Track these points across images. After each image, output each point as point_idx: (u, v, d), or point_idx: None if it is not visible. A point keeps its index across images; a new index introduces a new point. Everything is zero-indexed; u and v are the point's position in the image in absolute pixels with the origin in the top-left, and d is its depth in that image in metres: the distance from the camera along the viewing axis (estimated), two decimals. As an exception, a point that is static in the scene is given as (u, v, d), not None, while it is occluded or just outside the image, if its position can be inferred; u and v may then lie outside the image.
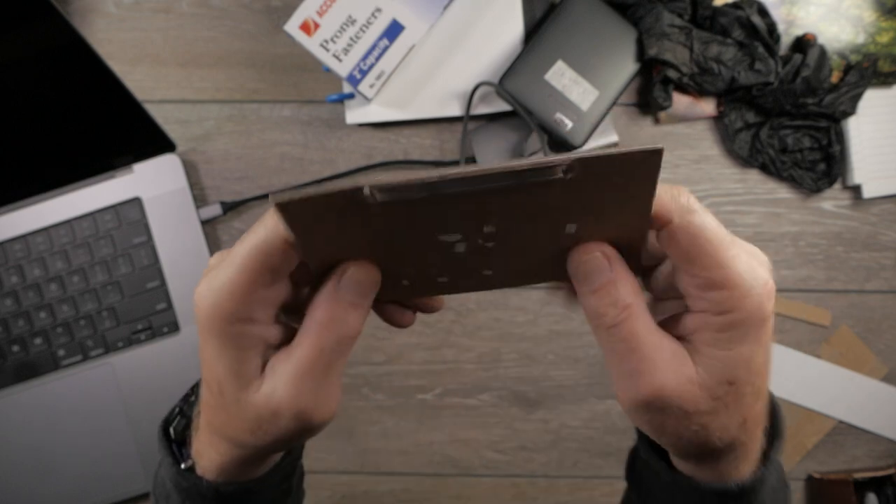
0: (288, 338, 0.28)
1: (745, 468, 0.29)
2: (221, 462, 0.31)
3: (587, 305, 0.27)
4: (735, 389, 0.26)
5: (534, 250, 0.27)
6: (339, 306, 0.27)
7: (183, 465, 0.33)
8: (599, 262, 0.26)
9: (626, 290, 0.26)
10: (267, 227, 0.25)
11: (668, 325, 0.28)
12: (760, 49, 0.64)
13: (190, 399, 0.35)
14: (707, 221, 0.25)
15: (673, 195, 0.25)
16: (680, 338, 0.27)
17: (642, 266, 0.29)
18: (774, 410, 0.32)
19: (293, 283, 0.28)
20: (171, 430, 0.34)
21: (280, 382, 0.27)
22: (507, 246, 0.26)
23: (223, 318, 0.26)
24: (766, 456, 0.30)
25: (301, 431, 0.28)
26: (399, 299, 0.32)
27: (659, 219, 0.25)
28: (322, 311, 0.27)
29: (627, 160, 0.22)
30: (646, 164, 0.23)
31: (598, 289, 0.26)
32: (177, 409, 0.35)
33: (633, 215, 0.25)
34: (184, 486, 0.32)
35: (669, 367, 0.26)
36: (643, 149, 0.22)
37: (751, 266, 0.25)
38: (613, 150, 0.22)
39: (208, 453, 0.31)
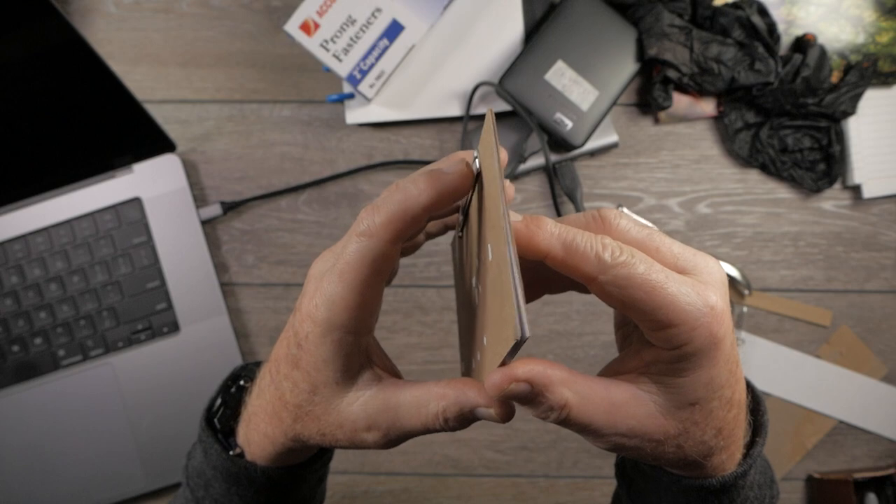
0: (384, 360, 0.31)
1: (728, 465, 0.30)
2: (273, 451, 0.33)
3: (532, 414, 0.28)
4: (700, 407, 0.27)
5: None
6: (461, 419, 0.29)
7: (231, 453, 0.34)
8: (519, 389, 0.26)
9: (554, 393, 0.26)
10: (370, 234, 0.27)
11: (626, 361, 0.28)
12: (760, 49, 0.64)
13: (230, 390, 0.37)
14: (633, 271, 0.25)
15: (597, 252, 0.25)
16: (636, 371, 0.28)
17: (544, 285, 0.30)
18: (757, 406, 0.32)
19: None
20: (216, 421, 0.36)
21: (381, 411, 0.29)
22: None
23: (342, 329, 0.28)
24: (747, 452, 0.31)
25: (360, 449, 0.31)
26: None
27: (583, 277, 0.26)
28: (447, 410, 0.28)
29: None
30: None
31: (533, 408, 0.27)
32: (219, 401, 0.37)
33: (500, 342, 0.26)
34: (232, 472, 0.34)
35: (628, 416, 0.27)
36: (512, 335, 0.22)
37: (692, 297, 0.25)
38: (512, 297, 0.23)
39: (260, 441, 0.33)
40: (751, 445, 0.31)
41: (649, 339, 0.27)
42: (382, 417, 0.29)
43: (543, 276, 0.30)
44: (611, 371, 0.29)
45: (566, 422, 0.27)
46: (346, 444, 0.30)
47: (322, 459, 0.37)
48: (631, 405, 0.27)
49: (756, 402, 0.32)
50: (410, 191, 0.27)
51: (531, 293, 0.31)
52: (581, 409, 0.26)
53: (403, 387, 0.29)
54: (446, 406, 0.28)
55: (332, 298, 0.27)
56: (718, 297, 0.26)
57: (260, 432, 0.33)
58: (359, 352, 0.29)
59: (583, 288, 0.28)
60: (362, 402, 0.29)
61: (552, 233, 0.26)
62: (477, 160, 0.28)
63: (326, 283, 0.28)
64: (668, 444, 0.27)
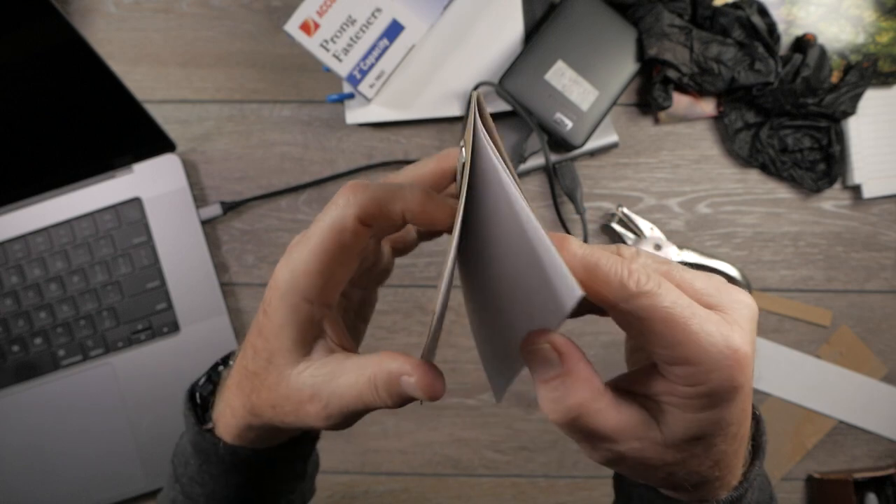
0: (342, 336, 0.30)
1: (722, 491, 0.29)
2: (236, 425, 0.32)
3: (538, 393, 0.26)
4: (704, 442, 0.26)
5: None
6: (389, 392, 0.28)
7: (204, 427, 0.34)
8: (547, 353, 0.25)
9: (575, 387, 0.25)
10: (338, 206, 0.28)
11: (639, 378, 0.27)
12: (760, 49, 0.64)
13: (218, 368, 0.37)
14: (657, 302, 0.24)
15: (621, 278, 0.24)
16: (646, 396, 0.27)
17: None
18: (757, 429, 0.31)
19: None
20: (198, 395, 0.36)
21: (325, 381, 0.29)
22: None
23: (299, 294, 0.28)
24: (746, 475, 0.30)
25: (314, 427, 0.30)
26: None
27: (604, 303, 0.25)
28: (377, 377, 0.28)
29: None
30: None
31: (546, 380, 0.25)
32: (204, 377, 0.37)
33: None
34: (202, 447, 0.34)
35: (631, 437, 0.26)
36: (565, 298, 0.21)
37: (716, 338, 0.24)
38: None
39: (226, 415, 0.33)
40: (749, 469, 0.30)
41: (663, 371, 0.26)
42: (325, 388, 0.28)
43: None
44: (621, 387, 0.28)
45: (574, 421, 0.25)
46: (292, 420, 0.29)
47: (298, 449, 0.36)
48: (637, 428, 0.26)
49: (757, 423, 0.31)
50: (396, 185, 0.28)
51: None
52: (592, 416, 0.25)
53: (349, 357, 0.29)
54: (376, 372, 0.28)
55: (296, 263, 0.28)
56: (744, 340, 0.24)
57: (227, 404, 0.33)
58: (314, 322, 0.29)
59: (601, 311, 0.27)
60: (310, 372, 0.29)
61: (575, 253, 0.25)
62: (464, 150, 0.28)
63: (293, 250, 0.29)
64: (660, 471, 0.27)
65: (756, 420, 0.31)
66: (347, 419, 0.29)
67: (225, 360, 0.37)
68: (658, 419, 0.26)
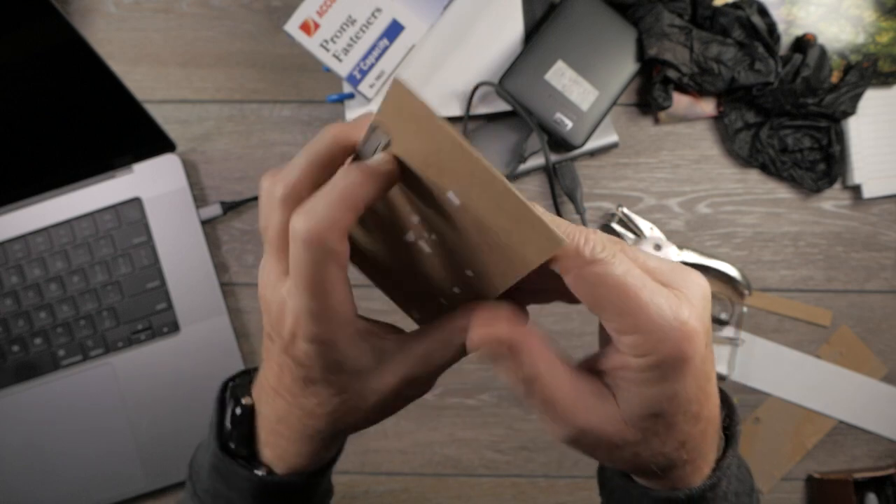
0: (374, 322, 0.31)
1: (694, 478, 0.30)
2: (310, 460, 0.32)
3: (501, 377, 0.28)
4: (663, 420, 0.27)
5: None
6: (492, 339, 0.28)
7: (260, 473, 0.33)
8: (495, 348, 0.27)
9: (529, 360, 0.27)
10: (324, 242, 0.25)
11: (594, 360, 0.28)
12: (760, 49, 0.64)
13: (235, 412, 0.34)
14: (611, 270, 0.25)
15: (578, 245, 0.25)
16: (603, 373, 0.28)
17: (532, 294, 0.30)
18: (731, 417, 0.32)
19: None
20: (231, 444, 0.34)
21: (400, 368, 0.29)
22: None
23: (331, 334, 0.27)
24: (718, 464, 0.30)
25: (410, 400, 0.31)
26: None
27: (560, 267, 0.25)
28: (479, 335, 0.28)
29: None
30: (547, 243, 0.24)
31: (503, 369, 0.27)
32: (228, 425, 0.34)
33: (509, 266, 0.26)
34: (263, 491, 0.33)
35: (589, 410, 0.27)
36: (552, 232, 0.24)
37: (664, 310, 0.25)
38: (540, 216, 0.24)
39: (297, 455, 0.32)
40: (722, 457, 0.31)
41: (616, 344, 0.26)
42: (413, 370, 0.29)
43: (530, 286, 0.29)
44: (584, 366, 0.29)
45: (532, 397, 0.27)
46: (392, 412, 0.31)
47: (340, 452, 0.37)
48: (594, 400, 0.27)
49: (730, 413, 0.32)
50: (348, 182, 0.26)
51: (517, 302, 0.31)
52: (547, 386, 0.27)
53: (412, 338, 0.30)
54: (474, 333, 0.28)
55: (311, 310, 0.26)
56: (693, 315, 0.25)
57: (293, 449, 0.32)
58: (357, 338, 0.29)
59: (571, 298, 0.28)
60: (390, 371, 0.29)
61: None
62: (377, 131, 0.27)
63: (297, 298, 0.26)
64: (625, 450, 0.27)
65: (729, 408, 0.32)
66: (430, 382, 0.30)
67: (234, 397, 0.35)
68: (616, 395, 0.27)
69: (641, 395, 0.26)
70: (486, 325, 0.27)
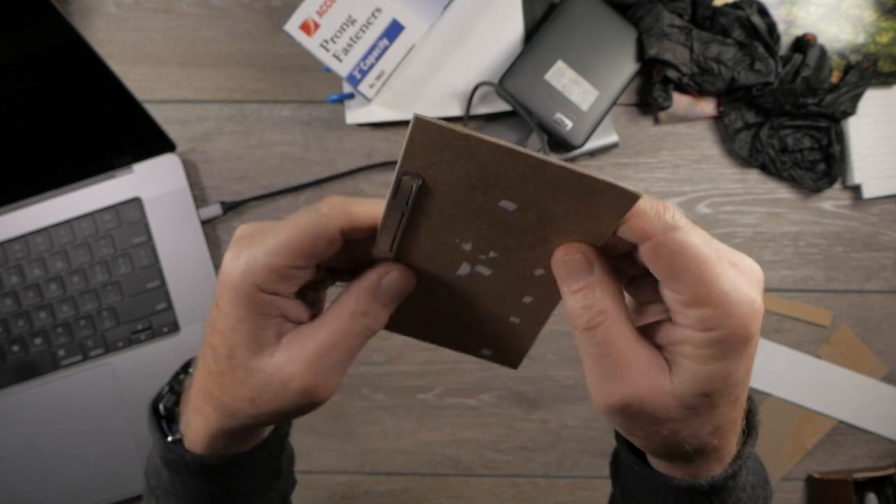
0: (302, 315, 0.29)
1: (718, 467, 0.30)
2: (208, 433, 0.31)
3: (566, 306, 0.28)
4: (710, 401, 0.26)
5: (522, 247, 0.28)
6: (375, 301, 0.29)
7: (170, 438, 0.34)
8: (580, 263, 0.27)
9: (603, 295, 0.26)
10: (323, 214, 0.27)
11: (650, 331, 0.28)
12: (760, 49, 0.64)
13: (179, 377, 0.36)
14: (691, 239, 0.25)
15: (657, 211, 0.25)
16: (660, 346, 0.27)
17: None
18: (750, 407, 0.32)
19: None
20: (161, 406, 0.35)
21: (297, 356, 0.28)
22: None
23: (254, 286, 0.27)
24: (738, 453, 0.30)
25: (302, 407, 0.29)
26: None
27: (641, 234, 0.25)
28: (357, 302, 0.28)
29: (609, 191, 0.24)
30: (622, 203, 0.24)
31: (576, 290, 0.27)
32: (166, 388, 0.36)
33: (588, 239, 0.26)
34: (170, 459, 0.33)
35: (644, 374, 0.26)
36: (625, 189, 0.24)
37: (737, 284, 0.25)
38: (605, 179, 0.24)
39: (195, 423, 0.32)
40: (742, 447, 0.31)
41: (676, 318, 0.26)
42: (306, 354, 0.28)
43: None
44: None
45: (592, 331, 0.26)
46: (276, 406, 0.29)
47: (270, 449, 0.36)
48: (651, 367, 0.26)
49: (750, 404, 0.32)
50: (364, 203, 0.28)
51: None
52: (614, 325, 0.26)
53: (316, 320, 0.29)
54: (358, 297, 0.29)
55: (255, 257, 0.27)
56: (757, 294, 0.26)
57: (195, 412, 0.32)
58: (272, 307, 0.28)
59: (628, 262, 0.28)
60: (283, 352, 0.28)
61: None
62: (405, 178, 0.27)
63: (252, 243, 0.27)
64: (664, 427, 0.27)
65: (750, 401, 0.32)
66: (337, 373, 0.29)
67: (185, 368, 0.36)
68: (671, 370, 0.27)
69: (698, 371, 0.26)
70: (578, 245, 0.27)
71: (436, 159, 0.25)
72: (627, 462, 0.34)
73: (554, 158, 0.24)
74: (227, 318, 0.28)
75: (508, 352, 0.33)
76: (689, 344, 0.26)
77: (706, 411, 0.27)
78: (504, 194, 0.26)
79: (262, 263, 0.27)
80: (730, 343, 0.25)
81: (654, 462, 0.32)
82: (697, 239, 0.25)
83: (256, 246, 0.27)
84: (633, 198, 0.24)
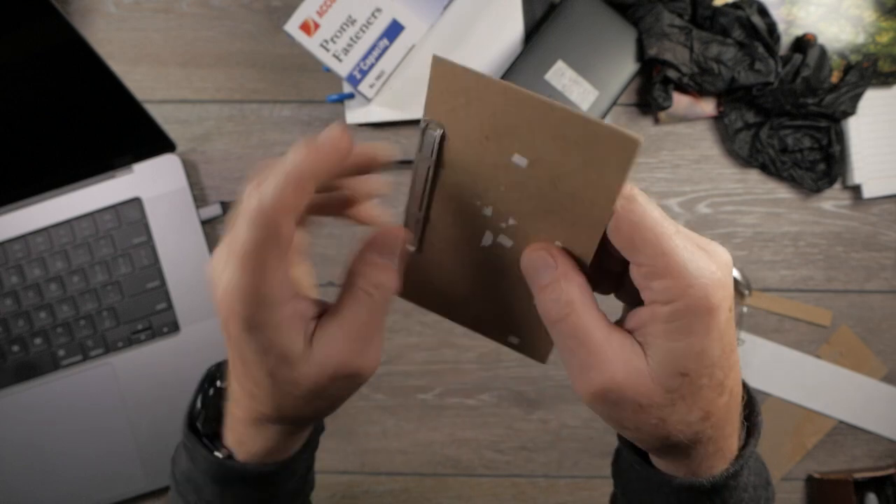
0: (316, 305, 0.30)
1: (719, 465, 0.30)
2: (267, 446, 0.32)
3: (537, 303, 0.28)
4: (689, 381, 0.27)
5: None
6: (383, 270, 0.29)
7: (220, 455, 0.34)
8: (544, 259, 0.28)
9: (569, 287, 0.27)
10: (269, 217, 0.26)
11: (623, 320, 0.29)
12: (760, 49, 0.64)
13: (209, 393, 0.36)
14: (648, 211, 0.26)
15: None
16: (633, 331, 0.28)
17: (598, 272, 0.30)
18: (751, 406, 0.32)
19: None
20: (199, 425, 0.35)
21: (335, 348, 0.28)
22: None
23: (264, 314, 0.27)
24: (740, 453, 0.30)
25: (354, 387, 0.30)
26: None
27: None
28: (370, 275, 0.29)
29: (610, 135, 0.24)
30: (625, 148, 0.24)
31: (544, 285, 0.28)
32: (199, 405, 0.35)
33: (596, 205, 0.26)
34: (224, 475, 0.34)
35: (618, 359, 0.27)
36: (624, 132, 0.24)
37: (696, 256, 0.26)
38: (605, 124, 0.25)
39: (253, 441, 0.32)
40: (744, 446, 0.31)
41: (644, 295, 0.27)
42: (337, 344, 0.29)
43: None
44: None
45: (562, 322, 0.27)
46: (334, 399, 0.30)
47: (309, 447, 0.37)
48: (624, 353, 0.27)
49: (751, 402, 0.32)
50: (290, 160, 0.27)
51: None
52: (582, 315, 0.27)
53: (332, 306, 0.30)
54: (363, 277, 0.29)
55: (242, 290, 0.26)
56: (721, 271, 0.26)
57: (247, 433, 0.32)
58: (289, 322, 0.28)
59: (607, 287, 0.29)
60: (318, 350, 0.28)
61: None
62: (429, 127, 0.27)
63: (229, 275, 0.27)
64: (651, 414, 0.27)
65: (749, 397, 0.32)
66: (376, 345, 0.30)
67: (210, 380, 0.36)
68: (645, 352, 0.27)
69: (669, 349, 0.26)
70: (542, 244, 0.28)
71: (453, 104, 0.26)
72: (629, 461, 0.34)
73: (557, 103, 0.24)
74: (249, 352, 0.28)
75: (536, 343, 0.32)
76: (658, 320, 0.26)
77: (689, 394, 0.27)
78: (516, 147, 0.26)
79: (252, 293, 0.26)
80: (694, 314, 0.26)
81: (656, 461, 0.32)
82: (655, 212, 0.26)
83: (236, 277, 0.27)
84: (633, 143, 0.24)
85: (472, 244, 0.30)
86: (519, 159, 0.26)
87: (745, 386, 0.32)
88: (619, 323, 0.29)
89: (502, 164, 0.27)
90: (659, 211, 0.26)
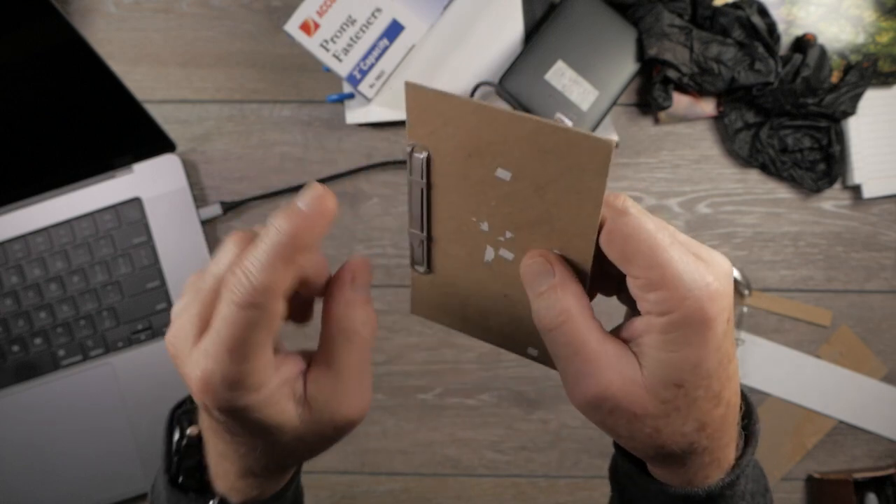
0: (300, 364, 0.29)
1: (715, 474, 0.29)
2: (263, 488, 0.32)
3: (533, 309, 0.28)
4: (684, 393, 0.26)
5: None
6: (363, 306, 0.29)
7: (213, 503, 0.33)
8: (542, 266, 0.28)
9: (565, 295, 0.27)
10: (261, 306, 0.25)
11: (619, 329, 0.29)
12: (760, 49, 0.64)
13: (182, 443, 0.34)
14: (642, 223, 0.26)
15: (607, 199, 0.26)
16: (629, 341, 0.28)
17: (595, 280, 0.30)
18: (749, 415, 0.32)
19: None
20: (181, 479, 0.33)
21: (333, 402, 0.28)
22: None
23: (236, 403, 0.26)
24: (737, 462, 0.30)
25: (353, 428, 0.30)
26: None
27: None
28: (353, 316, 0.28)
29: (581, 141, 0.24)
30: (598, 153, 0.24)
31: (540, 293, 0.28)
32: (175, 459, 0.34)
33: (584, 210, 0.26)
34: None
35: (613, 368, 0.27)
36: (596, 137, 0.24)
37: (691, 268, 0.25)
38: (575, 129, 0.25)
39: (250, 488, 0.31)
40: (741, 455, 0.31)
41: (640, 306, 0.27)
42: (333, 382, 0.28)
43: None
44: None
45: (558, 331, 0.27)
46: (328, 443, 0.30)
47: (299, 471, 0.36)
48: (619, 363, 0.27)
49: (749, 411, 0.32)
50: (276, 237, 0.25)
51: None
52: (577, 323, 0.27)
53: (321, 360, 0.29)
54: (339, 317, 0.28)
55: (229, 379, 0.25)
56: (718, 281, 0.26)
57: (244, 482, 0.31)
58: (276, 397, 0.27)
59: (609, 290, 0.29)
60: (312, 405, 0.28)
61: None
62: (414, 148, 0.28)
63: (212, 364, 0.25)
64: (645, 423, 0.27)
65: (747, 406, 0.32)
66: (367, 387, 0.29)
67: (175, 426, 0.34)
68: (640, 362, 0.27)
69: (664, 360, 0.26)
70: (540, 251, 0.28)
71: (432, 127, 0.26)
72: (625, 470, 0.34)
73: (527, 115, 0.25)
74: (239, 426, 0.27)
75: None
76: (653, 331, 0.26)
77: (685, 405, 0.27)
78: (497, 162, 0.26)
79: (247, 381, 0.25)
80: (689, 326, 0.25)
81: (652, 469, 0.31)
82: (649, 224, 0.26)
83: (225, 364, 0.25)
84: (606, 146, 0.24)
85: (477, 260, 0.30)
86: (503, 173, 0.26)
87: (744, 395, 0.32)
88: (618, 330, 0.29)
89: (488, 179, 0.27)
90: (654, 221, 0.26)
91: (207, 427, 0.30)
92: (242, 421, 0.27)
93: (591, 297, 0.30)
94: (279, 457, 0.30)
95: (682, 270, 0.25)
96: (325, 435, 0.29)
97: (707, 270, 0.26)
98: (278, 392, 0.27)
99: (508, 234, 0.29)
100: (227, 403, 0.26)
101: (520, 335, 0.32)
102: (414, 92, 0.26)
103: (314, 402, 0.28)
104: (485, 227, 0.29)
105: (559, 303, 0.27)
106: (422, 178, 0.28)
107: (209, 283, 0.27)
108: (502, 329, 0.33)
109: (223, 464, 0.31)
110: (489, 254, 0.30)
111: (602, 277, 0.30)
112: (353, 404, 0.28)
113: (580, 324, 0.27)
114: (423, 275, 0.32)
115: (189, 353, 0.26)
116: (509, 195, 0.27)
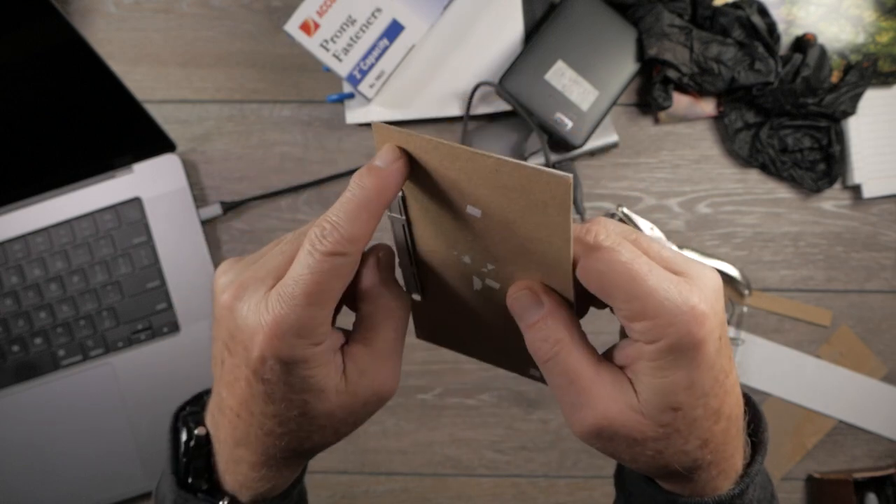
0: (342, 333, 0.30)
1: (724, 485, 0.29)
2: (275, 483, 0.32)
3: (526, 341, 0.28)
4: (683, 415, 0.26)
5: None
6: (396, 285, 0.30)
7: (224, 502, 0.33)
8: (528, 298, 0.28)
9: (556, 326, 0.27)
10: (348, 254, 0.26)
11: (612, 355, 0.28)
12: (760, 49, 0.64)
13: (189, 444, 0.33)
14: (615, 256, 0.25)
15: (578, 234, 0.26)
16: (623, 367, 0.28)
17: (580, 304, 0.29)
18: (757, 422, 0.31)
19: None
20: (190, 479, 0.33)
21: (369, 376, 0.29)
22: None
23: (296, 353, 0.27)
24: (746, 471, 0.30)
25: (380, 407, 0.31)
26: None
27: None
28: (390, 294, 0.30)
29: (537, 177, 0.24)
30: (557, 188, 0.24)
31: (531, 325, 0.28)
32: (183, 461, 0.33)
33: (554, 245, 0.26)
34: None
35: (609, 396, 0.27)
36: (553, 173, 0.24)
37: (672, 294, 0.25)
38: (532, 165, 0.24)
39: (263, 482, 0.31)
40: (750, 463, 0.30)
41: (629, 334, 0.27)
42: (375, 359, 0.30)
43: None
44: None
45: (552, 361, 0.27)
46: (358, 423, 0.31)
47: (303, 470, 0.36)
48: (614, 390, 0.27)
49: (756, 418, 0.31)
50: (360, 191, 0.26)
51: None
52: (571, 353, 0.27)
53: (360, 335, 0.30)
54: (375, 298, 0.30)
55: (300, 326, 0.26)
56: (703, 301, 0.25)
57: (258, 475, 0.31)
58: (327, 355, 0.28)
59: (601, 304, 0.29)
60: (353, 380, 0.29)
61: None
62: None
63: (286, 310, 0.26)
64: (646, 447, 0.27)
65: (755, 413, 0.31)
66: (398, 366, 0.31)
67: (180, 426, 0.33)
68: (635, 388, 0.27)
69: (657, 385, 0.26)
70: (526, 282, 0.28)
71: None
72: (633, 479, 0.33)
73: (488, 153, 0.24)
74: (286, 382, 0.27)
75: None
76: (644, 358, 0.26)
77: (685, 427, 0.27)
78: (467, 199, 0.26)
79: (310, 326, 0.26)
80: (679, 351, 0.25)
81: (661, 483, 0.31)
82: (623, 255, 0.25)
83: (296, 309, 0.26)
84: (564, 181, 0.24)
85: (465, 289, 0.31)
86: (473, 210, 0.26)
87: (751, 403, 0.31)
88: (613, 352, 0.28)
89: (461, 215, 0.27)
90: (629, 251, 0.26)
91: (228, 408, 0.30)
92: (294, 377, 0.27)
93: (583, 313, 0.30)
94: (306, 433, 0.29)
95: (662, 298, 0.25)
96: (354, 410, 0.29)
97: (691, 292, 0.25)
98: (330, 353, 0.28)
99: (490, 266, 0.29)
100: (290, 351, 0.26)
101: (519, 357, 0.32)
102: (380, 132, 0.26)
103: (350, 375, 0.29)
104: (467, 259, 0.29)
105: (551, 334, 0.27)
106: (400, 214, 0.29)
107: (281, 247, 0.29)
108: (502, 352, 0.33)
109: (238, 454, 0.31)
110: (476, 283, 0.30)
111: (592, 295, 0.30)
112: (386, 381, 0.30)
113: (573, 353, 0.27)
114: (420, 302, 0.33)
115: (256, 303, 0.27)
116: (484, 231, 0.27)
